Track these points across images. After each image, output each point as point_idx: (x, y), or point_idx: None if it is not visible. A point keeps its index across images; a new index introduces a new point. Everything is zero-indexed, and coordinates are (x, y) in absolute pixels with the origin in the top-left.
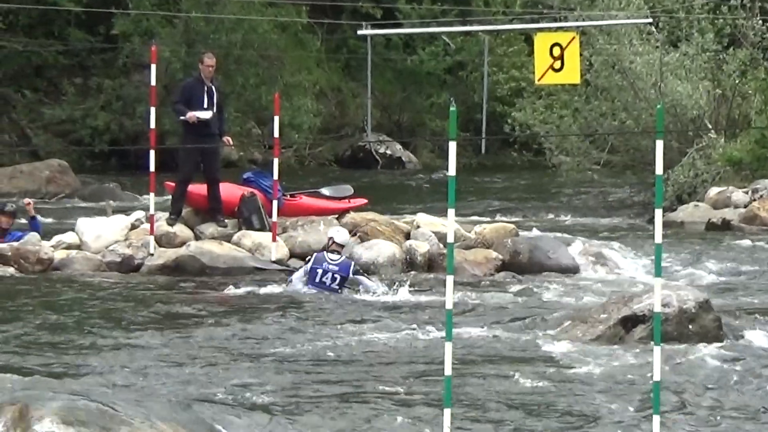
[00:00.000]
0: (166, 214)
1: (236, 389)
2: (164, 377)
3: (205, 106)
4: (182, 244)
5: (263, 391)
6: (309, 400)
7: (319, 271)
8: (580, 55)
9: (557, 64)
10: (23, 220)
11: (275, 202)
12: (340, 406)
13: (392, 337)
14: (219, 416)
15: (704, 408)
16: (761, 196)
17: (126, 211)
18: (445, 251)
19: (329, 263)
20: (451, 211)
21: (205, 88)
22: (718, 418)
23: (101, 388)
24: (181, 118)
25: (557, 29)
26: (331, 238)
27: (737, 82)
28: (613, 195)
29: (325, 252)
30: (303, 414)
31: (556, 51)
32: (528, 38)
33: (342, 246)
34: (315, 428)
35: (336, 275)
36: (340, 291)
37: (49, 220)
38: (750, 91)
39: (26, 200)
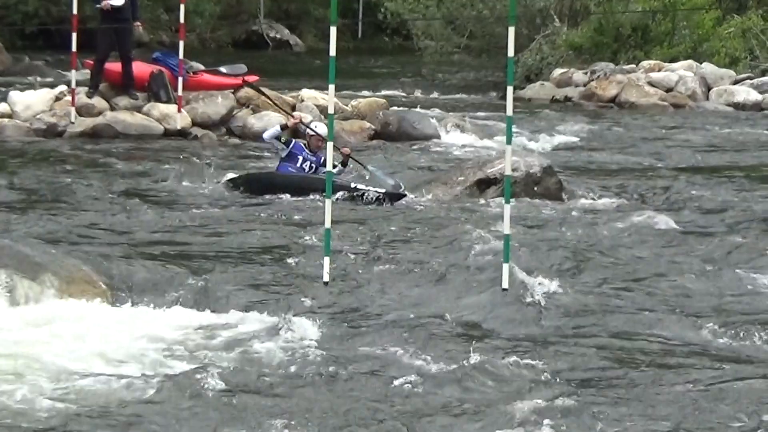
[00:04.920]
0: (86, 88)
1: (137, 242)
2: (75, 226)
3: None
4: (99, 113)
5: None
6: (192, 262)
7: (300, 157)
8: None
9: None
10: None
11: (180, 79)
12: (230, 264)
13: (278, 195)
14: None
15: (546, 254)
16: (598, 77)
17: (51, 85)
18: (326, 121)
19: (308, 153)
20: (331, 87)
21: None
22: (558, 260)
23: (23, 237)
24: (97, 6)
25: None
26: (311, 135)
27: None
28: (471, 75)
29: (304, 143)
30: (188, 269)
31: None
32: None
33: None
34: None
35: (313, 164)
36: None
37: None
38: None
39: None
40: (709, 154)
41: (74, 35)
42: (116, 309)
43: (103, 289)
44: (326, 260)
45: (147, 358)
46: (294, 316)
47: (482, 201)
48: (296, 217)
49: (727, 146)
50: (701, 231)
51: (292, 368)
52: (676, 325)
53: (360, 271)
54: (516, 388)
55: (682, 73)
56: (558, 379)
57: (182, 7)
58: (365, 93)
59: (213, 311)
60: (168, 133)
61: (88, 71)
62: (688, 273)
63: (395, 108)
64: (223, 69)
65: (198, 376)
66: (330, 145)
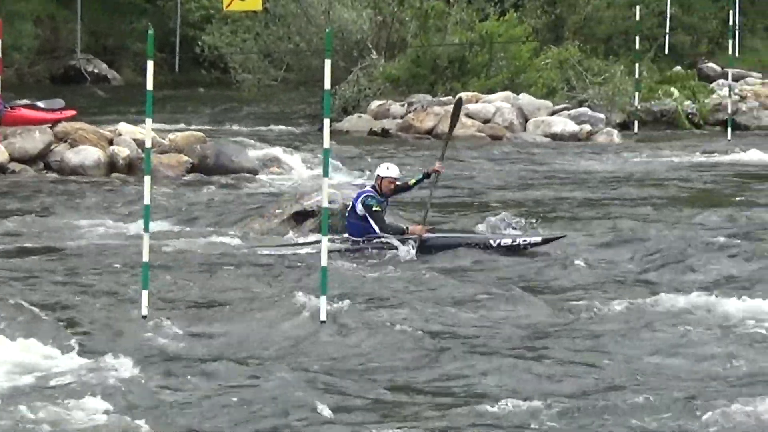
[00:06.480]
0: None
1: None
2: None
3: None
4: None
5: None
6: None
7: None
8: None
9: None
10: None
11: None
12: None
13: (95, 230)
14: None
15: (364, 286)
16: (415, 109)
17: None
18: (143, 155)
19: (382, 198)
20: (148, 121)
21: None
22: (376, 291)
23: None
24: None
25: None
26: (384, 177)
27: (396, 9)
28: (288, 108)
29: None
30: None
31: None
32: None
33: (391, 180)
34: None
35: (386, 210)
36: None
37: None
38: (407, 18)
39: None
40: (526, 185)
41: None
42: None
43: None
44: (144, 294)
45: None
46: (112, 350)
47: (299, 233)
48: (116, 257)
49: (541, 177)
50: (517, 262)
51: (100, 403)
52: (478, 350)
53: (180, 306)
54: (336, 419)
55: (499, 104)
56: (376, 408)
57: None
58: (183, 126)
59: (24, 351)
60: None
61: None
62: (490, 299)
63: (213, 141)
64: (40, 104)
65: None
66: (147, 178)
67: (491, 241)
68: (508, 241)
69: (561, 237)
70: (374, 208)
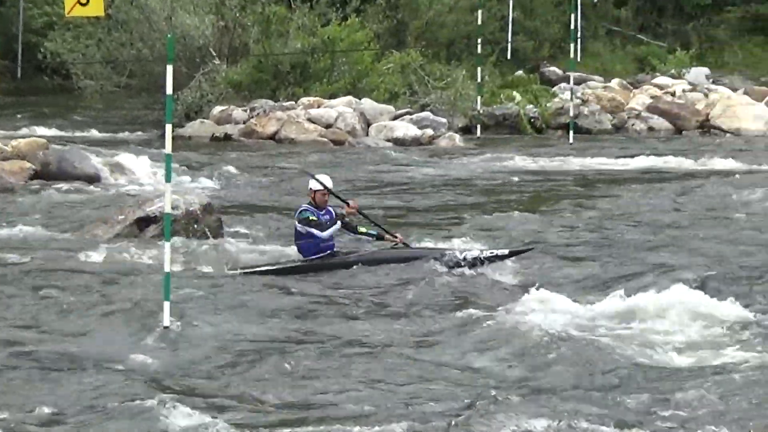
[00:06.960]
0: None
1: None
2: None
3: None
4: None
5: None
6: None
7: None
8: None
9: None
10: None
11: None
12: None
13: None
14: None
15: (207, 291)
16: (258, 114)
17: None
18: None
19: (319, 212)
20: None
21: None
22: (218, 296)
23: None
24: None
25: None
26: (317, 189)
27: (238, 15)
28: (131, 113)
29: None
30: None
31: None
32: None
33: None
34: None
35: (329, 223)
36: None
37: None
38: (249, 23)
39: None
40: (365, 191)
41: None
42: None
43: None
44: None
45: None
46: None
47: (142, 239)
48: None
49: (381, 184)
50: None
51: None
52: (325, 365)
53: (22, 312)
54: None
55: (341, 109)
56: (213, 416)
57: None
58: (26, 133)
59: None
60: None
61: None
62: (347, 314)
63: (56, 147)
64: None
65: None
66: None
67: (457, 253)
68: (475, 253)
69: (528, 249)
70: (310, 218)
